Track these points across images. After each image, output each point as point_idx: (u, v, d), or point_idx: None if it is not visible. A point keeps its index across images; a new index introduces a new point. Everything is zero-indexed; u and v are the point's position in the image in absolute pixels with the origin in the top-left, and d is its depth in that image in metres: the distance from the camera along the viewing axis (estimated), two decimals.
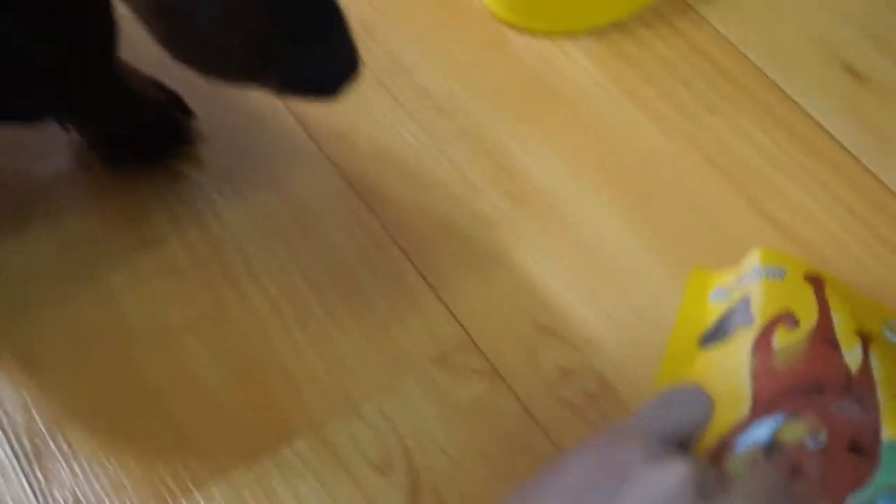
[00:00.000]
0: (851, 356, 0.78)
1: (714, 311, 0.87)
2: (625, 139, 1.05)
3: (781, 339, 0.79)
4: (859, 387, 0.75)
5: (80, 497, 0.88)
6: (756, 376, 0.77)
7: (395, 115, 1.09)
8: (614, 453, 0.65)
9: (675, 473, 0.62)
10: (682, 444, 0.70)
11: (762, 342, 0.79)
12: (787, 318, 0.80)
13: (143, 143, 1.09)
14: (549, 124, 1.07)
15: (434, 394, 0.90)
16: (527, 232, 1.00)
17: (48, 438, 0.90)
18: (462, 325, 0.94)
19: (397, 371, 0.91)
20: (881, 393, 0.75)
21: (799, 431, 0.72)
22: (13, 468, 0.89)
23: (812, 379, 0.75)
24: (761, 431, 0.72)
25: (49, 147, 1.10)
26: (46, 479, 0.89)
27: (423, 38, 1.15)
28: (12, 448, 0.90)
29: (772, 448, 0.71)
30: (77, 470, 0.88)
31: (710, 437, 0.74)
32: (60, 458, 0.89)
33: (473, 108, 1.09)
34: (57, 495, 0.88)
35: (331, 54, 0.69)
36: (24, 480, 0.89)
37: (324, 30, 0.69)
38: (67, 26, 0.86)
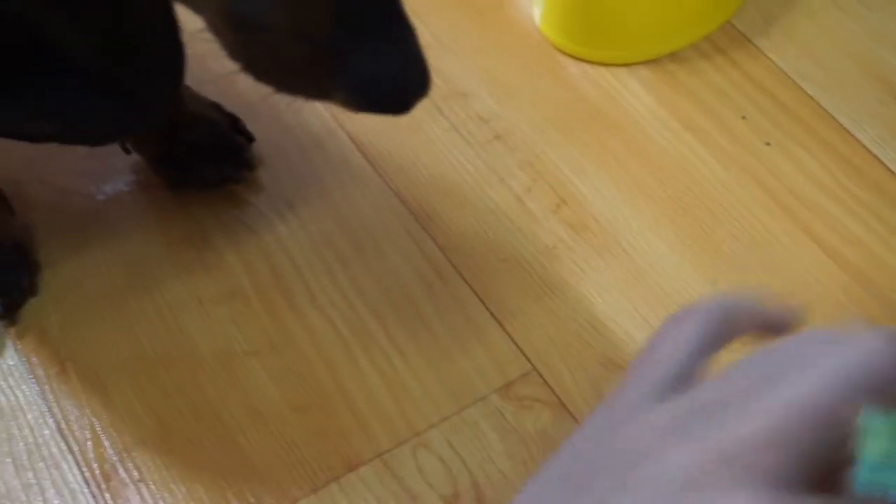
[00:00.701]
0: None
1: None
2: (681, 169, 1.06)
3: None
4: None
5: None
6: None
7: (452, 142, 1.10)
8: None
9: None
10: None
11: None
12: None
13: (203, 167, 1.10)
14: (606, 153, 1.08)
15: (499, 424, 0.92)
16: (587, 262, 1.01)
17: (117, 464, 0.92)
18: (526, 356, 0.95)
19: (462, 400, 0.93)
20: None
21: None
22: (83, 493, 0.91)
23: None
24: None
25: (111, 170, 1.12)
26: None
27: (481, 65, 1.17)
28: (82, 473, 0.92)
29: None
30: (146, 495, 0.90)
31: None
32: (130, 484, 0.91)
33: (530, 136, 1.10)
34: None
35: (400, 67, 0.69)
36: None
37: (394, 42, 0.69)
38: (137, 50, 0.87)
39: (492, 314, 0.98)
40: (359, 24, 0.67)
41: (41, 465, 0.93)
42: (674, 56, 1.14)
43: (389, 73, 0.68)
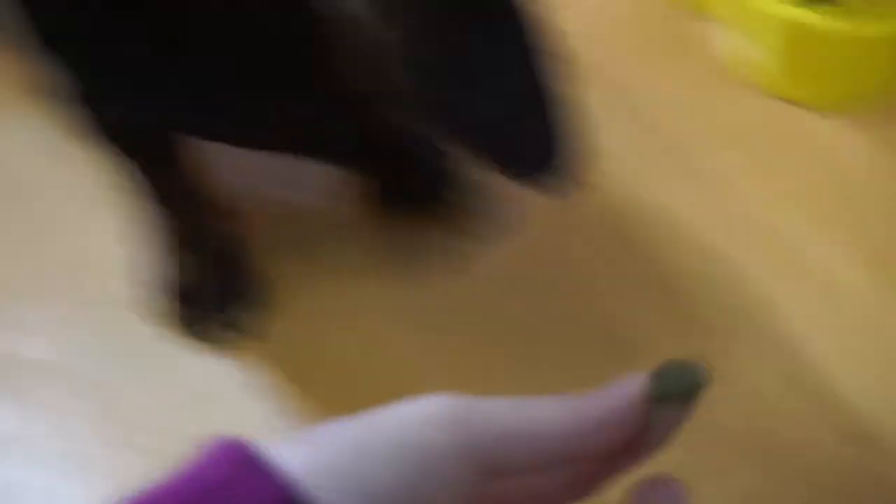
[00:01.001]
0: None
1: None
2: (890, 217, 1.10)
3: None
4: None
5: None
6: None
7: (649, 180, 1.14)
8: None
9: None
10: None
11: None
12: None
13: (419, 193, 1.13)
14: (813, 199, 1.12)
15: None
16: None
17: None
18: None
19: None
20: None
21: None
22: None
23: None
24: None
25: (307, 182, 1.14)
26: None
27: (659, 89, 1.20)
28: None
29: None
30: None
31: None
32: None
33: (745, 186, 1.13)
34: None
35: (538, 137, 0.69)
36: None
37: (539, 111, 0.69)
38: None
39: None
40: (511, 89, 0.68)
41: None
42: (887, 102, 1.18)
43: (529, 139, 0.69)
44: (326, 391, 1.01)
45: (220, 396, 1.01)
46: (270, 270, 1.09)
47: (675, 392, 0.49)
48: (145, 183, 1.04)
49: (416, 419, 0.46)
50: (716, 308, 1.04)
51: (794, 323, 1.03)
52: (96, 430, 1.00)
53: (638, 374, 0.49)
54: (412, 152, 1.12)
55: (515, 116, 0.71)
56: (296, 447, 0.45)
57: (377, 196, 1.13)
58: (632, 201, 1.12)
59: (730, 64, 1.22)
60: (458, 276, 1.08)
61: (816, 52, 1.16)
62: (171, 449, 0.48)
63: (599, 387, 0.49)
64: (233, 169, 1.14)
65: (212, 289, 1.08)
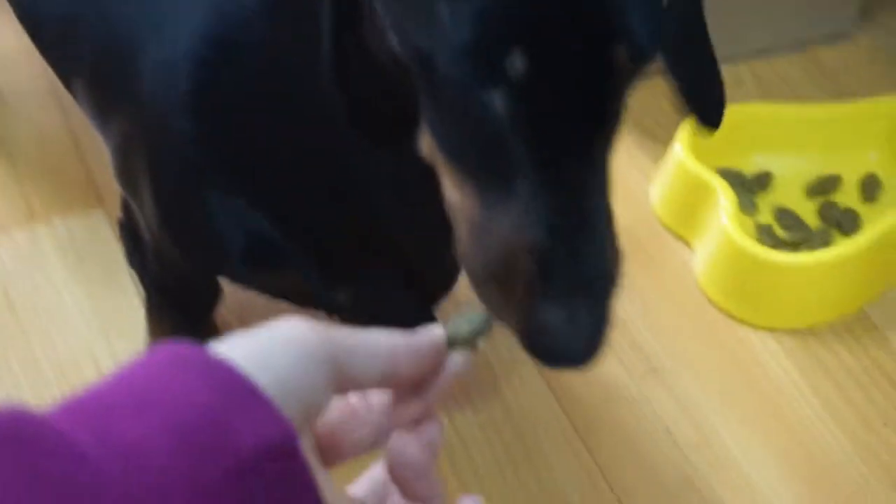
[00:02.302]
0: None
1: None
2: (809, 434, 1.23)
3: None
4: None
5: None
6: None
7: (611, 365, 1.28)
8: None
9: None
10: None
11: None
12: None
13: None
14: (745, 402, 1.25)
15: None
16: (721, 496, 1.18)
17: None
18: None
19: None
20: None
21: None
22: None
23: None
24: None
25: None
26: None
27: (641, 300, 1.34)
28: None
29: None
30: None
31: None
32: None
33: (682, 376, 1.27)
34: None
35: (575, 335, 0.69)
36: None
37: (583, 306, 0.69)
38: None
39: None
40: (555, 277, 0.69)
41: None
42: (813, 330, 1.32)
43: (556, 336, 0.69)
44: None
45: None
46: None
47: (462, 336, 0.62)
48: (169, 310, 1.17)
49: (294, 326, 0.57)
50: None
51: None
52: None
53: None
54: None
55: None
56: (218, 347, 0.56)
57: None
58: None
59: (700, 284, 1.36)
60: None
61: (763, 281, 1.30)
62: None
63: None
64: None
65: None
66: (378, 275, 0.99)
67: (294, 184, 0.92)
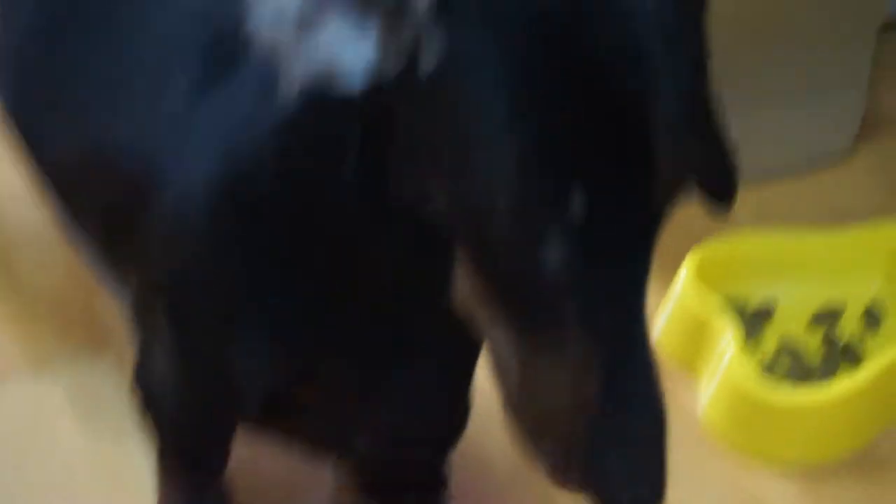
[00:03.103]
0: None
1: None
2: None
3: None
4: None
5: None
6: None
7: None
8: None
9: None
10: None
11: None
12: None
13: (404, 497, 1.25)
14: None
15: None
16: None
17: None
18: None
19: None
20: None
21: None
22: None
23: None
24: None
25: (316, 484, 1.27)
26: None
27: None
28: None
29: None
30: None
31: None
32: None
33: None
34: None
35: (641, 472, 0.71)
36: None
37: (640, 457, 0.71)
38: None
39: None
40: (619, 431, 0.71)
41: None
42: (820, 466, 1.31)
43: (614, 488, 0.70)
44: None
45: None
46: None
47: None
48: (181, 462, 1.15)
49: None
50: None
51: None
52: None
53: None
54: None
55: None
56: None
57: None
58: None
59: (705, 419, 1.35)
60: None
61: (770, 420, 1.30)
62: None
63: None
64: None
65: None
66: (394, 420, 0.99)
67: (315, 328, 0.92)
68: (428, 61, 0.70)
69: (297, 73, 0.71)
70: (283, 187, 0.86)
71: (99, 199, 1.02)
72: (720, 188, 0.75)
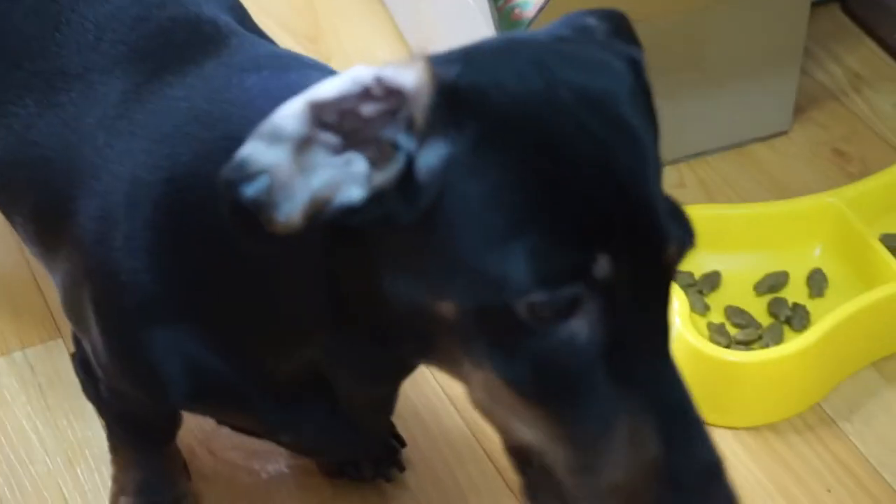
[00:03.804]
0: None
1: None
2: None
3: None
4: None
5: None
6: None
7: None
8: None
9: None
10: None
11: None
12: None
13: (362, 463, 1.28)
14: None
15: None
16: None
17: None
18: None
19: None
20: None
21: None
22: None
23: None
24: None
25: (275, 452, 1.29)
26: None
27: None
28: None
29: None
30: None
31: None
32: None
33: None
34: None
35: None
36: None
37: (708, 492, 0.73)
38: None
39: None
40: (684, 484, 0.72)
41: None
42: (771, 426, 1.34)
43: None
44: None
45: None
46: None
47: None
48: (130, 436, 1.19)
49: None
50: None
51: None
52: None
53: None
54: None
55: None
56: None
57: (328, 464, 1.29)
58: None
59: None
60: None
61: (723, 382, 1.33)
62: None
63: None
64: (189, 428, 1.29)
65: None
66: (319, 420, 1.00)
67: (240, 328, 0.93)
68: (426, 173, 0.72)
69: (299, 196, 0.71)
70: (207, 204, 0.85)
71: (28, 194, 1.04)
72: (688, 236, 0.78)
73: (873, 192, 1.51)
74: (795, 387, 1.34)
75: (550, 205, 0.70)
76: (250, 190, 0.70)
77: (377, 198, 0.71)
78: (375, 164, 0.71)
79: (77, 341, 1.11)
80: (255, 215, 0.70)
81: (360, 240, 0.75)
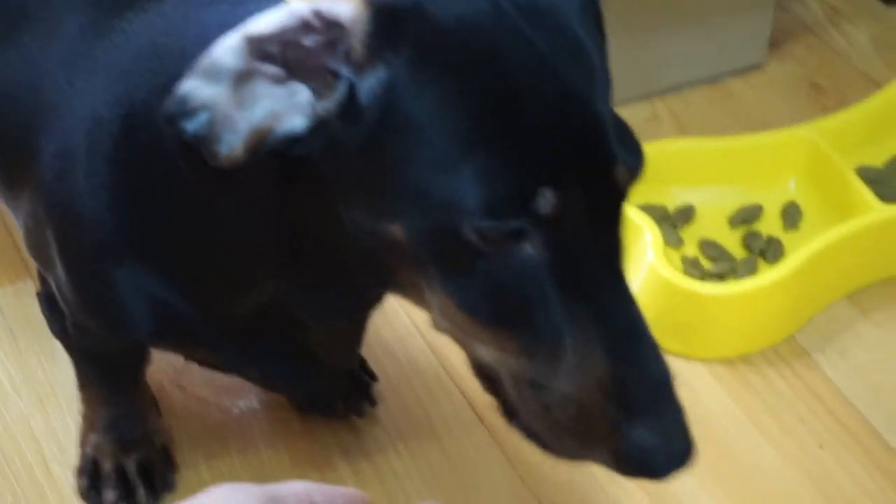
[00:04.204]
0: None
1: None
2: (746, 459, 1.24)
3: None
4: None
5: None
6: None
7: None
8: None
9: None
10: None
11: None
12: None
13: (333, 398, 1.28)
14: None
15: None
16: None
17: None
18: None
19: None
20: None
21: None
22: None
23: None
24: None
25: (246, 387, 1.29)
26: None
27: None
28: None
29: None
30: None
31: None
32: None
33: None
34: None
35: (666, 446, 0.73)
36: None
37: (662, 421, 0.73)
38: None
39: None
40: (633, 399, 0.72)
41: None
42: (745, 358, 1.33)
43: (655, 451, 0.72)
44: None
45: None
46: (185, 459, 1.24)
47: None
48: (97, 373, 1.18)
49: (231, 495, 0.64)
50: None
51: None
52: None
53: None
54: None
55: None
56: None
57: (297, 399, 1.28)
58: None
59: None
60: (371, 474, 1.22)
61: (694, 314, 1.33)
62: None
63: None
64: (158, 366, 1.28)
65: (128, 473, 1.21)
66: (284, 356, 1.00)
67: (199, 267, 0.93)
68: (367, 98, 0.71)
69: (240, 128, 0.71)
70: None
71: None
72: (637, 160, 0.77)
73: (849, 125, 1.51)
74: (769, 319, 1.34)
75: (495, 127, 0.70)
76: (191, 125, 0.71)
77: (321, 126, 0.72)
78: (319, 93, 0.71)
79: (42, 279, 1.10)
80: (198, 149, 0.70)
81: (313, 173, 0.75)
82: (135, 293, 0.95)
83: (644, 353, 0.73)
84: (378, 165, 0.72)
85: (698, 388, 1.31)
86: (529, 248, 0.71)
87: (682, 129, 1.58)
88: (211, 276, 0.92)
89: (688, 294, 1.31)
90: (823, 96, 1.64)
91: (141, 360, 1.17)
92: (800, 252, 1.33)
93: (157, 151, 0.86)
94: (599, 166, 0.72)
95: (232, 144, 0.71)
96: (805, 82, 1.66)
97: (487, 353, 0.76)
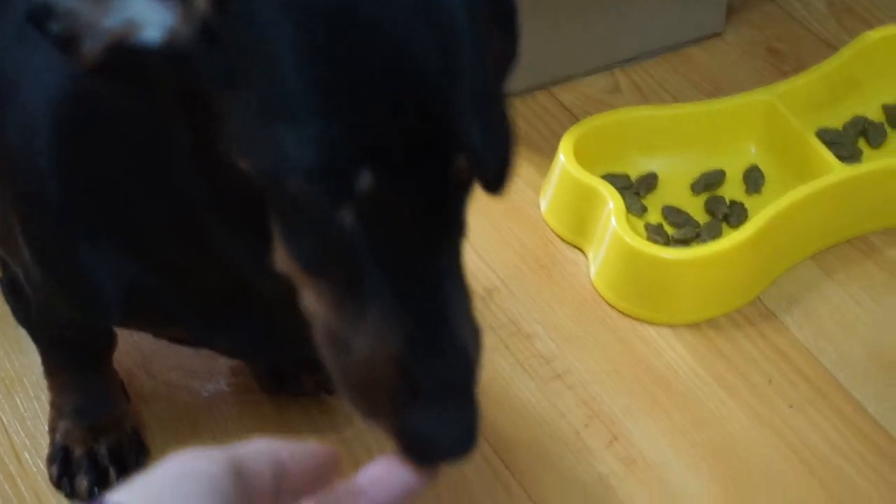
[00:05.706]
0: None
1: None
2: (716, 421, 1.25)
3: None
4: None
5: None
6: None
7: (517, 376, 1.29)
8: None
9: None
10: None
11: None
12: None
13: (301, 377, 1.27)
14: (652, 400, 1.27)
15: None
16: (635, 494, 1.19)
17: None
18: None
19: None
20: None
21: None
22: None
23: None
24: None
25: (214, 370, 1.29)
26: None
27: (543, 312, 1.36)
28: None
29: None
30: None
31: None
32: None
33: (586, 378, 1.29)
34: None
35: (444, 438, 0.70)
36: None
37: (450, 410, 0.71)
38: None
39: None
40: (419, 388, 0.71)
41: None
42: (711, 322, 1.34)
43: (429, 440, 0.70)
44: None
45: None
46: (156, 444, 1.24)
47: None
48: (64, 359, 1.18)
49: (188, 460, 0.62)
50: None
51: None
52: None
53: None
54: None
55: None
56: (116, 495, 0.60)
57: (266, 380, 1.28)
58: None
59: (598, 288, 1.38)
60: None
61: (657, 278, 1.33)
62: None
63: None
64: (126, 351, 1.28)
65: (100, 459, 1.20)
66: (253, 326, 0.99)
67: (162, 240, 0.93)
68: (218, 27, 0.72)
69: (99, 33, 0.73)
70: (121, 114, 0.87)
71: None
72: (498, 176, 0.76)
73: (807, 88, 1.51)
74: (733, 282, 1.34)
75: (336, 94, 0.69)
76: (55, 27, 0.74)
77: (175, 45, 0.73)
78: (176, 13, 0.73)
79: (4, 265, 1.09)
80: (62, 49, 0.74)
81: (203, 110, 0.75)
82: (102, 271, 0.95)
83: (442, 350, 0.72)
84: (232, 97, 0.73)
85: (666, 354, 1.31)
86: (347, 217, 0.71)
87: (644, 99, 1.59)
88: (170, 242, 0.92)
89: (652, 260, 1.31)
90: (782, 61, 1.64)
91: (107, 345, 1.16)
92: (762, 214, 1.34)
93: (101, 120, 0.88)
94: (434, 154, 0.71)
95: (92, 47, 0.73)
96: (763, 48, 1.66)
97: (309, 301, 0.76)
